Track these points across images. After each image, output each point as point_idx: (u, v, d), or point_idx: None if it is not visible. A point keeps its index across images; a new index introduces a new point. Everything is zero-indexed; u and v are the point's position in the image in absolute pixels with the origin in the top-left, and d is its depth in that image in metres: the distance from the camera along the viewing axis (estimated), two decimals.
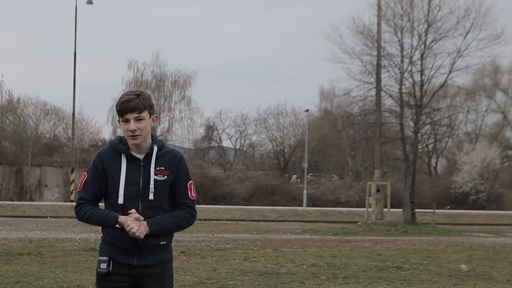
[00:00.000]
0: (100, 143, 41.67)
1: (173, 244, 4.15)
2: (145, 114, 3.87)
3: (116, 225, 3.84)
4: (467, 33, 28.06)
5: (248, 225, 26.76)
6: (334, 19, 64.69)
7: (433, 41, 28.14)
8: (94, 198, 3.97)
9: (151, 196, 3.90)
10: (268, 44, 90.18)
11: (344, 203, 41.84)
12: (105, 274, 3.91)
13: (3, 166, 40.59)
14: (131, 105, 3.84)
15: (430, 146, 44.19)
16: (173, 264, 4.14)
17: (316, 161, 51.94)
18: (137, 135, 3.87)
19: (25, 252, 13.44)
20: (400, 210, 28.31)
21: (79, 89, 73.88)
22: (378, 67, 27.61)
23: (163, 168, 3.95)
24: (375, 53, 27.93)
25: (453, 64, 28.28)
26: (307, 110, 45.77)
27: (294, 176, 50.21)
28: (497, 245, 18.76)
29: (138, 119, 3.85)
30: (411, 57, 28.29)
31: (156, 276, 3.98)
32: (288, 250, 15.68)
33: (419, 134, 29.84)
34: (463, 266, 12.57)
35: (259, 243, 17.49)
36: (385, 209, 26.93)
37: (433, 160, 52.66)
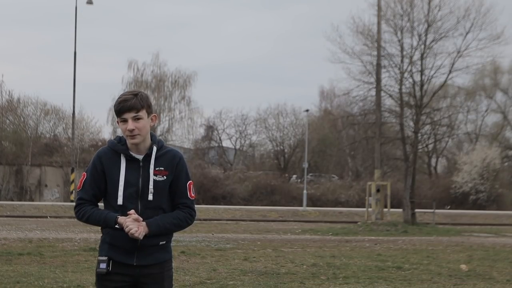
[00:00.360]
0: (100, 143, 41.65)
1: (173, 244, 4.15)
2: (142, 113, 3.87)
3: (116, 226, 3.85)
4: (467, 33, 28.09)
5: (248, 225, 26.76)
6: (334, 19, 64.76)
7: (433, 41, 28.15)
8: (94, 198, 3.97)
9: (150, 197, 3.90)
10: (268, 44, 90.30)
11: (344, 203, 41.83)
12: (105, 274, 3.91)
13: (3, 166, 40.58)
14: (128, 104, 3.84)
15: (430, 146, 44.18)
16: (173, 264, 4.14)
17: (316, 161, 51.93)
18: (135, 135, 3.86)
19: (25, 252, 13.43)
20: (400, 210, 28.31)
21: (79, 89, 73.98)
22: (378, 67, 27.61)
23: (162, 168, 3.95)
24: (375, 53, 27.92)
25: (453, 64, 28.31)
26: (307, 110, 45.78)
27: (294, 176, 50.20)
28: (497, 245, 18.76)
29: (136, 119, 3.85)
30: (411, 57, 28.29)
31: (156, 276, 3.98)
32: (288, 250, 15.67)
33: (419, 134, 29.84)
34: (463, 266, 12.57)
35: (259, 243, 17.49)
36: (385, 209, 26.92)
37: (433, 160, 52.65)
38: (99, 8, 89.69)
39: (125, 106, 3.84)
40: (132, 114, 3.84)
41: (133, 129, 3.84)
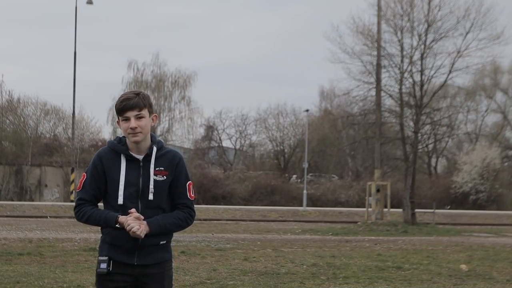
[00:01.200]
0: (100, 143, 41.67)
1: (173, 244, 4.16)
2: (145, 112, 3.89)
3: (116, 225, 3.85)
4: (467, 33, 28.08)
5: (248, 225, 26.75)
6: (334, 19, 64.96)
7: (433, 41, 28.14)
8: (94, 199, 3.98)
9: (150, 197, 3.91)
10: (268, 44, 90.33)
11: (344, 203, 41.83)
12: (105, 274, 3.91)
13: (3, 166, 40.58)
14: (131, 102, 3.86)
15: (430, 146, 44.16)
16: (173, 264, 4.14)
17: (316, 161, 51.93)
18: (137, 133, 3.88)
19: (25, 252, 13.44)
20: (400, 210, 28.30)
21: (79, 89, 74.01)
22: (378, 67, 27.60)
23: (163, 168, 3.96)
24: (375, 53, 27.92)
25: (453, 64, 28.29)
26: (307, 110, 45.79)
27: (294, 176, 50.20)
28: (497, 245, 18.76)
29: (139, 117, 3.87)
30: (411, 57, 28.28)
31: (156, 276, 3.98)
32: (288, 250, 15.67)
33: (419, 134, 29.82)
34: (463, 266, 12.57)
35: (259, 243, 17.49)
36: (385, 209, 26.92)
37: (433, 160, 52.66)
38: (99, 8, 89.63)
39: (128, 105, 3.86)
40: (135, 113, 3.86)
41: (136, 127, 3.86)
